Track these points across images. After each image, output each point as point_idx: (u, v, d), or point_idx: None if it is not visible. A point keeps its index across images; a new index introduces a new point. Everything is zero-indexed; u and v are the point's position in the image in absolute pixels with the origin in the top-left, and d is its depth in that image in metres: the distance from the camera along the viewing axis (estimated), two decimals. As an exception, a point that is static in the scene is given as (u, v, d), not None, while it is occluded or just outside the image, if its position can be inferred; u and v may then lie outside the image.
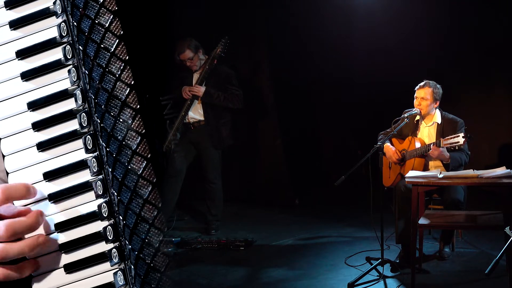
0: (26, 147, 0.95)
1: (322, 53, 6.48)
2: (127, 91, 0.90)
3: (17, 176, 0.95)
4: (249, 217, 5.81)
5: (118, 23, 0.90)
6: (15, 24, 0.96)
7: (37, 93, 0.96)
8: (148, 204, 0.89)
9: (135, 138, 0.90)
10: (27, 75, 0.95)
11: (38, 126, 0.95)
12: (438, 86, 4.17)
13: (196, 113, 4.91)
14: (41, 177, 0.94)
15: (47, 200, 0.94)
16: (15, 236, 0.89)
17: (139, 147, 0.90)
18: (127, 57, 0.90)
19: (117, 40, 0.90)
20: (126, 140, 0.89)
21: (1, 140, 0.95)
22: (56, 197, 0.93)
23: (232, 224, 5.38)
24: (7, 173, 0.95)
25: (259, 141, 6.48)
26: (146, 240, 0.89)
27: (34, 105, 0.95)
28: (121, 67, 0.90)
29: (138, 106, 0.90)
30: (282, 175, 6.29)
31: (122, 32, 0.90)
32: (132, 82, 0.90)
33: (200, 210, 5.60)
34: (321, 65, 6.57)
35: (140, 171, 0.89)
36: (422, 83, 4.19)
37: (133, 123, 0.90)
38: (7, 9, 0.96)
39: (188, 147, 4.98)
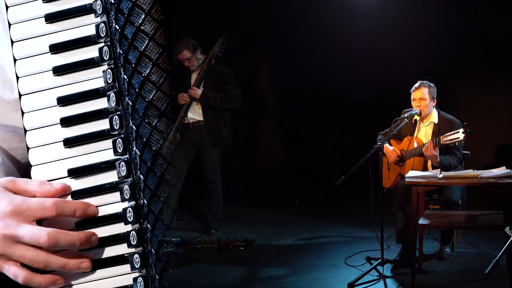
0: (52, 141, 0.94)
1: (322, 53, 6.47)
2: (167, 101, 0.90)
3: (41, 169, 0.94)
4: (249, 217, 5.81)
5: (163, 32, 0.89)
6: (51, 18, 0.94)
7: (68, 89, 0.94)
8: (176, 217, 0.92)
9: (170, 150, 0.90)
10: (59, 70, 0.94)
11: (66, 122, 0.93)
12: (432, 84, 4.18)
13: (195, 114, 4.90)
14: (66, 173, 0.93)
15: (70, 197, 0.93)
16: (56, 248, 0.87)
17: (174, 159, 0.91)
18: (169, 67, 0.90)
19: (160, 50, 0.89)
20: (161, 151, 0.90)
21: (27, 132, 0.94)
22: (79, 195, 0.93)
23: (232, 224, 5.38)
24: (31, 166, 0.94)
25: (259, 141, 6.48)
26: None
27: (63, 101, 0.94)
28: (162, 77, 0.89)
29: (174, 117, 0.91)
30: (282, 175, 6.29)
31: (166, 42, 0.90)
32: (173, 93, 0.91)
33: (200, 210, 5.59)
34: (321, 65, 6.57)
35: (173, 183, 0.90)
36: (417, 84, 4.18)
37: (169, 135, 0.90)
38: (44, 2, 0.94)
39: (188, 148, 4.97)
